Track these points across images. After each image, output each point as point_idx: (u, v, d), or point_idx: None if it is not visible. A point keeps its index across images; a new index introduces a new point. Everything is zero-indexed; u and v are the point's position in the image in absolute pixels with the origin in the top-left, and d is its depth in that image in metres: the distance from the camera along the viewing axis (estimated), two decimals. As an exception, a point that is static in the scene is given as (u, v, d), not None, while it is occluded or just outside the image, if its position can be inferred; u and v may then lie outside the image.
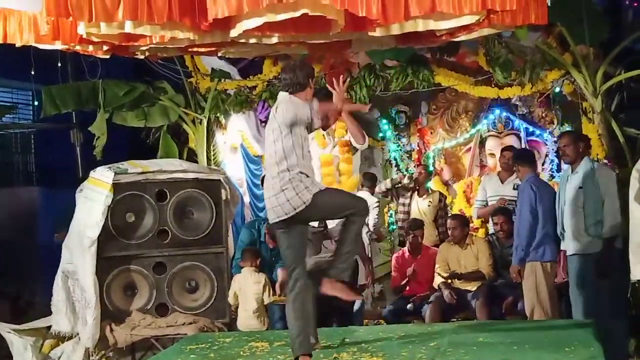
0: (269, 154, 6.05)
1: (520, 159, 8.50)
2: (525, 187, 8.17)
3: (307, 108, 5.92)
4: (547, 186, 8.49)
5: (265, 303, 8.23)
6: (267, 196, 6.03)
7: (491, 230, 9.49)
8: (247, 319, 8.19)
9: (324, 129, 6.53)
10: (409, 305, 9.14)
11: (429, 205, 9.87)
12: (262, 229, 8.79)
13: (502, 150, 9.66)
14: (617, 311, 7.67)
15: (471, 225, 9.82)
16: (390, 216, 10.96)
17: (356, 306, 8.99)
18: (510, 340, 6.65)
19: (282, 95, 6.06)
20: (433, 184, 11.06)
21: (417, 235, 9.37)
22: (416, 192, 10.00)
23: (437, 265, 9.18)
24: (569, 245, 7.82)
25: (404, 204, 10.01)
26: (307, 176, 5.91)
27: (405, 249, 9.56)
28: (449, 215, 9.83)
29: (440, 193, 10.23)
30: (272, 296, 8.27)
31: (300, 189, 5.87)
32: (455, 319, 8.78)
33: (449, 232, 9.20)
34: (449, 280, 9.04)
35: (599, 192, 7.59)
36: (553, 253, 8.07)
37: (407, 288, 9.38)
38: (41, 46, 7.58)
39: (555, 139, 10.32)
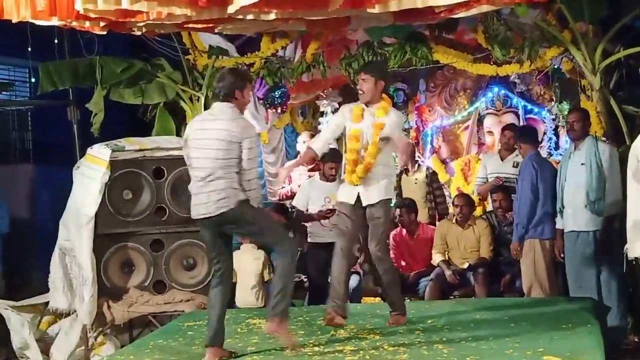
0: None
1: (522, 136, 8.50)
2: (526, 164, 8.17)
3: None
4: (548, 164, 8.49)
5: (265, 280, 8.23)
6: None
7: (489, 208, 9.48)
8: (245, 296, 8.20)
9: None
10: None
11: (415, 183, 9.82)
12: None
13: (503, 129, 9.63)
14: (615, 289, 7.69)
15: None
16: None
17: (353, 283, 9.00)
18: (507, 317, 6.68)
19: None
20: (431, 162, 11.05)
21: (409, 214, 9.36)
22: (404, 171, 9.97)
23: (434, 243, 9.17)
24: (567, 222, 7.83)
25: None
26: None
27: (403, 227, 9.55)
28: (457, 194, 9.75)
29: (429, 169, 10.16)
30: (271, 273, 8.28)
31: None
32: (453, 296, 8.79)
33: (456, 210, 9.13)
34: (450, 261, 9.05)
35: (601, 170, 7.59)
36: (552, 231, 8.08)
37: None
38: (38, 22, 7.53)
39: (554, 116, 10.32)
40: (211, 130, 6.00)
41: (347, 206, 6.67)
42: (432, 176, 9.96)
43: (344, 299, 6.72)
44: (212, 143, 5.95)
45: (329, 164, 8.62)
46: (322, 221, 8.65)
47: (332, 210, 8.21)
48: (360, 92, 6.63)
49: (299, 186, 9.46)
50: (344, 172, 6.70)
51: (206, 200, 5.94)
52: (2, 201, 10.58)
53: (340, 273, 6.67)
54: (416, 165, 10.05)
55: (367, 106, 6.61)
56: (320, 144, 6.79)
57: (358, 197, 6.61)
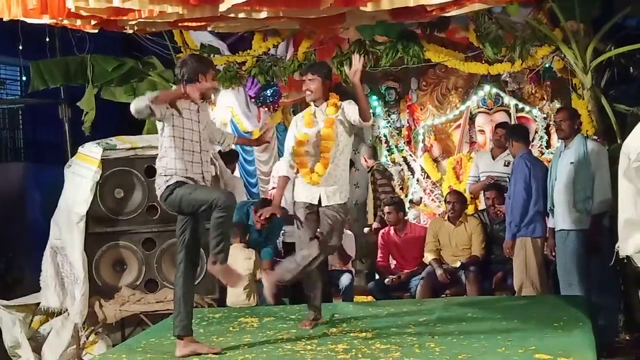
0: None
1: (514, 135, 8.52)
2: (519, 163, 8.19)
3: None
4: (540, 162, 8.52)
5: (257, 278, 8.22)
6: None
7: (481, 207, 9.51)
8: (236, 296, 8.18)
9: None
10: (386, 280, 9.16)
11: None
12: (250, 211, 8.76)
13: (495, 127, 9.67)
14: (606, 287, 7.71)
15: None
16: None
17: (345, 282, 9.02)
18: (499, 315, 6.69)
19: None
20: (423, 160, 11.05)
21: (398, 212, 9.38)
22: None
23: (427, 241, 9.18)
24: (558, 221, 7.86)
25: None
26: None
27: (391, 227, 9.56)
28: (449, 191, 9.74)
29: (379, 166, 10.18)
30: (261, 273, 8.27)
31: (160, 181, 6.07)
32: (445, 295, 8.81)
33: (448, 206, 9.12)
34: (442, 259, 9.06)
35: (590, 168, 7.62)
36: (543, 229, 8.11)
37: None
38: (29, 20, 7.52)
39: (545, 115, 10.34)
40: None
41: (304, 208, 6.69)
42: (383, 173, 9.95)
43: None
44: None
45: None
46: None
47: None
48: (308, 92, 6.67)
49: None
50: (303, 177, 6.69)
51: None
52: None
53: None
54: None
55: (316, 106, 6.68)
56: (289, 167, 6.79)
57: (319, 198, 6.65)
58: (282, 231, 9.11)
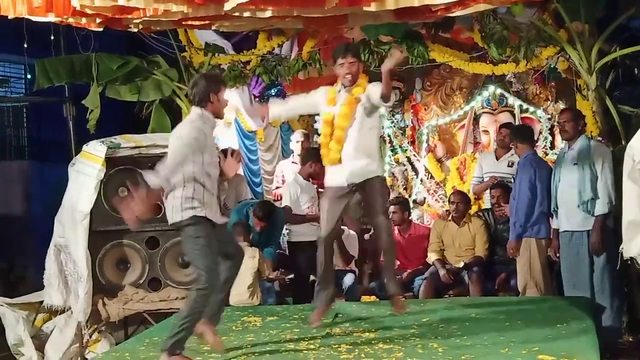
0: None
1: (519, 135, 8.51)
2: (524, 163, 8.19)
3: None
4: (545, 163, 8.53)
5: (265, 276, 8.20)
6: None
7: (485, 207, 9.49)
8: (240, 295, 8.14)
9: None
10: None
11: None
12: (250, 212, 8.75)
13: (499, 127, 9.66)
14: (609, 288, 7.70)
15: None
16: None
17: (348, 282, 9.00)
18: (502, 316, 6.69)
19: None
20: (427, 161, 11.04)
21: (403, 212, 9.37)
22: None
23: (430, 242, 9.17)
24: (561, 222, 7.86)
25: None
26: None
27: (395, 226, 9.54)
28: (453, 191, 9.71)
29: None
30: (268, 269, 8.27)
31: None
32: (448, 295, 8.80)
33: (452, 207, 9.10)
34: (445, 259, 9.05)
35: (593, 169, 7.62)
36: (548, 230, 8.10)
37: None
38: (34, 18, 7.51)
39: (549, 116, 10.33)
40: None
41: (334, 190, 6.63)
42: None
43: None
44: None
45: (309, 164, 8.65)
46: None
47: None
48: (348, 76, 6.52)
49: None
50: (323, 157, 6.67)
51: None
52: None
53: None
54: None
55: (344, 86, 6.57)
56: (281, 107, 6.92)
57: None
58: (288, 230, 9.10)
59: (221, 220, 6.16)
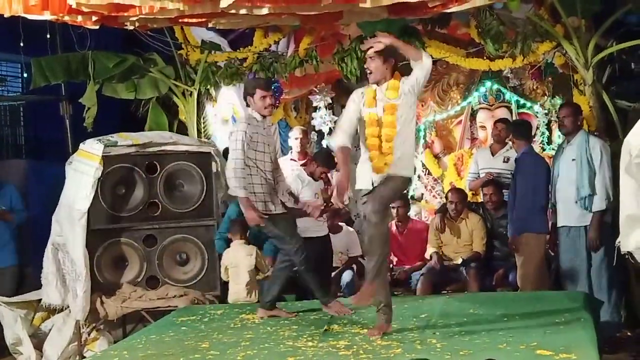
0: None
1: (516, 131, 8.51)
2: (523, 158, 8.20)
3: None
4: (542, 159, 8.54)
5: (264, 274, 8.20)
6: None
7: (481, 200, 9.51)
8: (238, 293, 8.15)
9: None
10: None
11: None
12: None
13: (495, 122, 9.67)
14: (607, 282, 7.71)
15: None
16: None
17: (347, 279, 9.01)
18: (501, 311, 6.68)
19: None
20: (424, 157, 11.04)
21: (401, 207, 9.37)
22: None
23: (429, 238, 9.18)
24: (560, 217, 7.87)
25: None
26: None
27: (393, 222, 9.56)
28: (451, 189, 9.70)
29: None
30: (267, 268, 8.26)
31: None
32: (446, 291, 8.80)
33: (450, 206, 9.09)
34: (443, 255, 9.07)
35: (591, 165, 7.63)
36: (546, 225, 8.11)
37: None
38: (30, 17, 7.51)
39: (546, 111, 10.34)
40: None
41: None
42: None
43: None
44: None
45: (320, 168, 8.61)
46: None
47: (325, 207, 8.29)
48: (368, 72, 6.29)
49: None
50: (370, 161, 6.21)
51: None
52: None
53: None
54: None
55: (377, 86, 6.26)
56: (347, 136, 6.26)
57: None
58: None
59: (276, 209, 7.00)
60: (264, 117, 7.02)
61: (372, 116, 6.22)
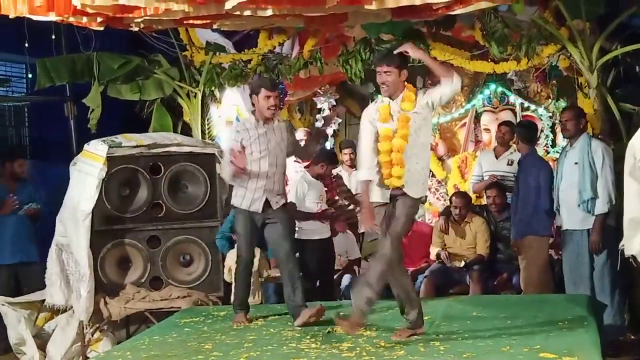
0: None
1: (520, 133, 8.50)
2: (527, 161, 8.20)
3: None
4: (545, 162, 8.54)
5: (264, 277, 8.19)
6: None
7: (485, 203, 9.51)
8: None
9: None
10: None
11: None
12: None
13: (499, 124, 9.66)
14: (610, 286, 7.71)
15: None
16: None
17: (346, 282, 9.02)
18: (504, 314, 6.68)
19: None
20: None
21: None
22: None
23: (433, 241, 9.18)
24: (563, 220, 7.87)
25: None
26: None
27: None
28: (455, 192, 9.69)
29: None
30: (268, 270, 8.27)
31: None
32: (449, 294, 8.79)
33: (455, 210, 9.08)
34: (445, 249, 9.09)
35: (594, 168, 7.63)
36: (550, 228, 8.11)
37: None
38: (35, 18, 7.52)
39: (551, 114, 10.33)
40: None
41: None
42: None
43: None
44: None
45: (320, 165, 8.61)
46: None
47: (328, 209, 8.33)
48: (383, 86, 6.10)
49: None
50: (379, 175, 6.09)
51: None
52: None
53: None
54: None
55: (391, 99, 6.09)
56: (370, 170, 6.11)
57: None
58: (298, 227, 9.13)
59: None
60: (266, 118, 6.96)
61: (387, 131, 6.06)
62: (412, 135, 6.00)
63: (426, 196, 11.03)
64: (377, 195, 6.12)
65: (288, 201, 8.83)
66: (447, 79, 6.01)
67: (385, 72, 6.08)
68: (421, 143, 6.09)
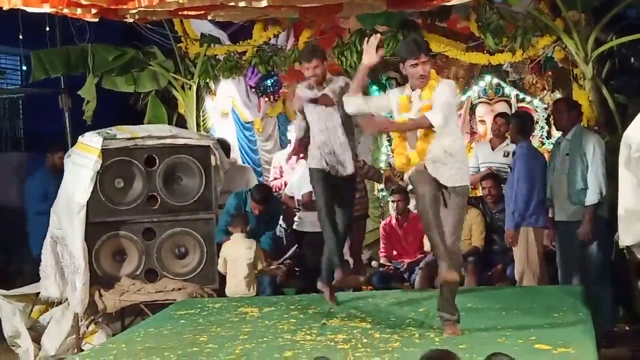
0: None
1: (515, 124, 8.48)
2: (522, 152, 8.18)
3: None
4: (539, 153, 8.55)
5: (258, 269, 8.19)
6: None
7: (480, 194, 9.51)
8: (236, 286, 8.15)
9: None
10: (373, 262, 9.20)
11: None
12: (248, 197, 8.75)
13: (495, 116, 9.64)
14: (604, 277, 7.72)
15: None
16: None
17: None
18: (499, 306, 6.69)
19: None
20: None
21: (401, 200, 9.38)
22: None
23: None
24: (556, 212, 7.87)
25: None
26: None
27: (393, 215, 9.56)
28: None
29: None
30: (263, 262, 8.27)
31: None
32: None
33: None
34: None
35: (584, 159, 7.62)
36: (545, 219, 8.11)
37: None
38: (29, 9, 7.49)
39: (546, 105, 10.33)
40: None
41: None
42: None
43: None
44: None
45: None
46: None
47: None
48: (421, 78, 5.91)
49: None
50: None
51: None
52: None
53: None
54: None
55: (412, 90, 6.00)
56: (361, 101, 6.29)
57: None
58: (299, 219, 9.14)
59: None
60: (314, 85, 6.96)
61: (402, 120, 6.05)
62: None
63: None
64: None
65: (306, 191, 8.86)
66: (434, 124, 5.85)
67: (423, 62, 5.90)
68: (451, 127, 5.98)
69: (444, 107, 5.83)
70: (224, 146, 9.59)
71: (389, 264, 9.43)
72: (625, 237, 5.75)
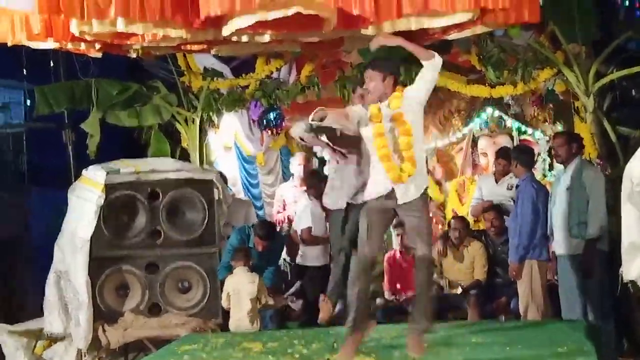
0: None
1: (518, 157, 8.48)
2: (526, 185, 8.17)
3: None
4: (542, 186, 8.53)
5: (262, 303, 8.17)
6: None
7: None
8: (240, 321, 8.11)
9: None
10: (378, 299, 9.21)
11: None
12: (251, 233, 8.75)
13: (497, 156, 9.55)
14: (604, 311, 7.68)
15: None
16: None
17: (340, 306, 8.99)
18: (503, 340, 6.65)
19: None
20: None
21: (403, 234, 9.36)
22: None
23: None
24: (557, 245, 7.86)
25: None
26: None
27: (397, 249, 9.55)
28: (454, 217, 9.67)
29: None
30: (266, 297, 8.25)
31: None
32: (448, 319, 8.76)
33: (454, 233, 9.08)
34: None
35: (584, 193, 7.61)
36: (548, 252, 8.09)
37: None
38: (33, 45, 7.55)
39: (548, 138, 10.33)
40: None
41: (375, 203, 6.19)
42: None
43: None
44: None
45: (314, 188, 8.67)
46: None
47: None
48: (368, 93, 6.16)
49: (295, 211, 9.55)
50: (386, 172, 6.09)
51: None
52: None
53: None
54: None
55: (380, 102, 6.08)
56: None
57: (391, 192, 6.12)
58: (301, 253, 9.13)
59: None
60: None
61: (378, 128, 6.08)
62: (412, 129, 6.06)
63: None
64: (380, 188, 6.16)
65: (305, 227, 8.87)
66: (428, 60, 6.10)
67: (367, 77, 6.15)
68: (419, 134, 6.23)
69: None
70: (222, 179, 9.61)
71: (393, 297, 9.40)
72: (629, 271, 5.74)
